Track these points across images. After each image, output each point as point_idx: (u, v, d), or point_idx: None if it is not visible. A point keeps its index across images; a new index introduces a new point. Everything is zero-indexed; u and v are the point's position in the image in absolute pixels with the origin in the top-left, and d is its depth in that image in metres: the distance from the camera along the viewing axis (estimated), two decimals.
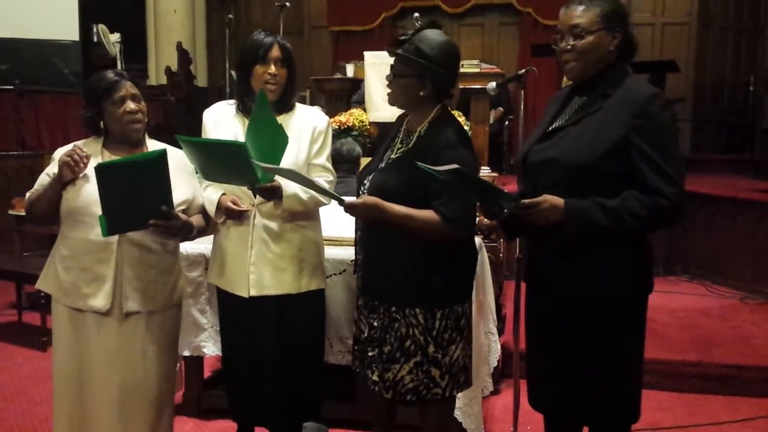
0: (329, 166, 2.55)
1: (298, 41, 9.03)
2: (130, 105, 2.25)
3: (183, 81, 8.85)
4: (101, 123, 2.29)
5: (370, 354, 2.23)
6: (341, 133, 4.89)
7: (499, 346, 3.48)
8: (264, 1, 9.50)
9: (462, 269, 2.26)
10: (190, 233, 2.34)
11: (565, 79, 5.94)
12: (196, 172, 2.41)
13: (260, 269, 2.44)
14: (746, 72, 8.45)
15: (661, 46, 8.19)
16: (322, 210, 2.60)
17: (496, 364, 3.45)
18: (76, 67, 8.58)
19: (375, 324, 2.22)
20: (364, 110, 5.11)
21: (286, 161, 2.30)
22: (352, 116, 5.01)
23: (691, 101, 8.14)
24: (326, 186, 2.36)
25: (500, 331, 3.73)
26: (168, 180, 2.14)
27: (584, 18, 1.95)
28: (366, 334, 2.25)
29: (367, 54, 5.16)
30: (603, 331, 1.98)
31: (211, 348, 3.15)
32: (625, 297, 1.99)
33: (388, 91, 2.23)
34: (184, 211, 2.32)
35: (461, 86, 4.98)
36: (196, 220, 2.40)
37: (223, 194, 2.44)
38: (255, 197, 2.39)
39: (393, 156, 2.26)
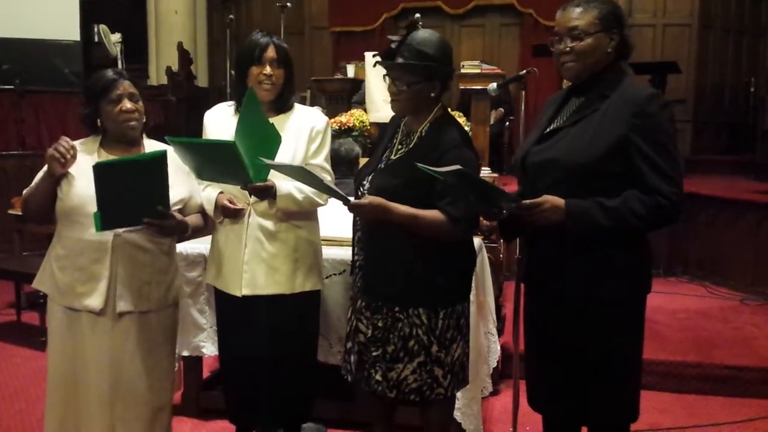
0: (327, 166, 2.53)
1: (299, 41, 9.03)
2: (127, 104, 2.24)
3: (184, 81, 8.87)
4: (98, 121, 2.29)
5: (374, 354, 2.23)
6: (342, 133, 4.89)
7: (498, 347, 3.48)
8: (265, 2, 9.50)
9: (463, 268, 2.27)
10: (184, 233, 2.33)
11: (564, 82, 5.96)
12: None
13: (253, 268, 2.43)
14: (747, 73, 8.44)
15: (662, 48, 8.18)
16: (321, 210, 2.59)
17: (495, 364, 3.45)
18: (77, 67, 8.58)
19: (379, 324, 2.22)
20: (365, 111, 5.12)
21: (282, 160, 2.30)
22: (352, 117, 5.02)
23: (692, 102, 8.13)
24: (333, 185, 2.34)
25: (500, 332, 3.73)
26: (166, 181, 2.13)
27: (583, 20, 1.96)
28: (369, 335, 2.25)
29: (368, 54, 5.16)
30: (601, 331, 1.98)
31: (210, 348, 3.15)
32: (624, 297, 1.99)
33: (394, 99, 2.19)
34: (180, 211, 2.32)
35: (462, 87, 5.01)
36: (193, 219, 2.39)
37: (221, 193, 2.45)
38: (250, 196, 2.39)
39: (393, 157, 2.24)
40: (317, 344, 2.67)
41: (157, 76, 9.83)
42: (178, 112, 8.49)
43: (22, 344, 4.35)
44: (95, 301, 2.23)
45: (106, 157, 2.28)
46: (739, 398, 3.64)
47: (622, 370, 2.02)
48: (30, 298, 4.84)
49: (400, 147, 2.26)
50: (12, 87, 6.89)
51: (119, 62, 8.80)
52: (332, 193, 2.10)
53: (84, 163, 2.20)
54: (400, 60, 2.13)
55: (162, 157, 2.10)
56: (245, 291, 2.44)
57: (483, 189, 1.96)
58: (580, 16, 1.96)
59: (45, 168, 2.26)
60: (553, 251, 2.00)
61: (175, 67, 9.00)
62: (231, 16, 7.45)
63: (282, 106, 2.50)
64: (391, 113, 2.30)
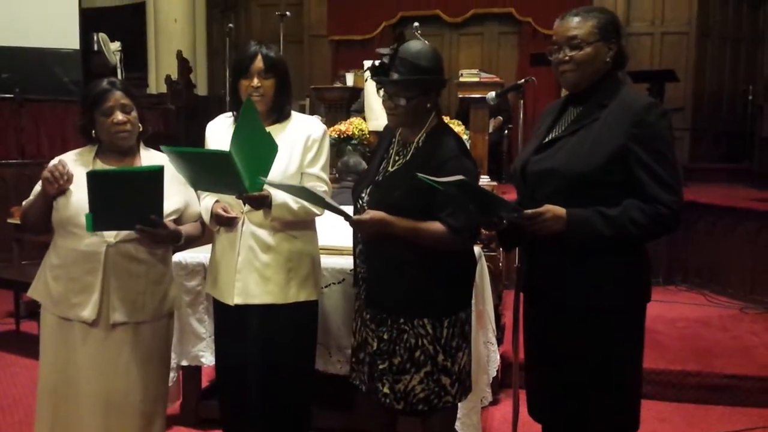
0: (323, 175, 2.51)
1: (298, 50, 9.06)
2: (119, 116, 2.24)
3: (183, 90, 8.87)
4: (93, 132, 2.29)
5: (380, 367, 2.23)
6: (341, 141, 4.90)
7: (498, 356, 3.48)
8: (264, 11, 9.54)
9: (464, 276, 2.28)
10: (178, 242, 2.33)
11: (563, 92, 5.97)
12: None
13: (246, 277, 2.42)
14: (745, 81, 8.47)
15: (660, 56, 8.21)
16: (320, 219, 2.59)
17: (495, 374, 3.44)
18: (77, 76, 8.59)
19: (384, 337, 2.22)
20: (364, 119, 5.12)
21: (276, 170, 2.28)
22: (351, 125, 5.02)
23: (690, 110, 8.15)
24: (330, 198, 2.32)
25: (499, 341, 3.72)
26: (161, 193, 2.12)
27: (582, 29, 1.97)
28: (375, 347, 2.24)
29: (366, 63, 5.17)
30: (602, 340, 1.98)
31: (209, 358, 3.15)
32: (624, 306, 1.99)
33: (392, 114, 2.19)
34: (176, 220, 2.33)
35: (461, 95, 5.02)
36: (188, 228, 2.38)
37: (216, 201, 2.45)
38: (245, 205, 2.38)
39: (391, 168, 2.25)
40: (314, 354, 2.65)
41: (156, 85, 9.84)
42: (177, 120, 8.49)
43: (21, 353, 4.34)
44: (88, 311, 2.23)
45: (101, 167, 2.28)
46: (739, 407, 3.63)
47: (622, 379, 2.02)
48: (29, 307, 4.83)
49: (397, 158, 2.26)
50: (11, 96, 6.90)
51: (119, 71, 8.82)
52: (334, 210, 2.09)
53: (79, 174, 2.21)
54: (395, 76, 2.12)
55: (159, 171, 2.09)
56: (237, 300, 2.43)
57: (484, 199, 1.96)
58: (579, 26, 1.97)
59: (41, 185, 2.26)
60: (553, 260, 2.00)
61: (174, 76, 9.00)
62: (230, 25, 7.46)
63: (277, 115, 2.49)
64: None
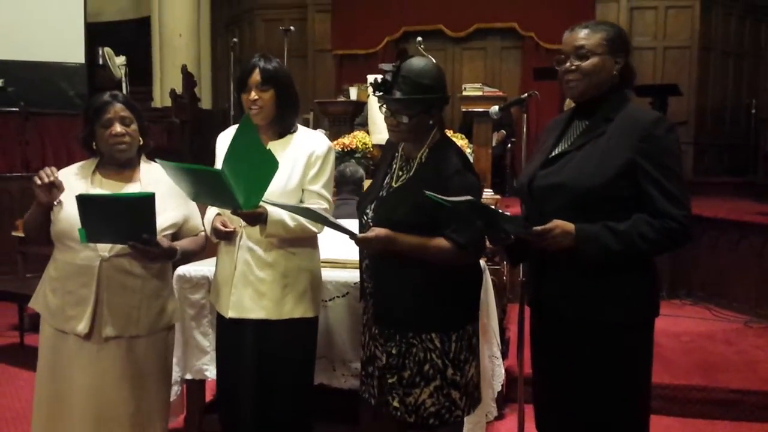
0: (325, 193, 2.45)
1: (302, 64, 9.10)
2: (117, 128, 2.26)
3: (187, 103, 8.92)
4: (93, 144, 2.31)
5: (390, 381, 2.23)
6: (345, 155, 4.91)
7: (503, 371, 3.46)
8: (268, 26, 9.59)
9: (471, 290, 2.29)
10: (172, 259, 2.33)
11: (567, 102, 5.99)
12: None
13: (240, 291, 2.41)
14: (748, 95, 8.49)
15: (663, 70, 8.24)
16: (324, 232, 2.58)
17: (500, 388, 3.42)
18: (82, 90, 8.64)
19: (393, 352, 2.22)
20: (368, 132, 5.14)
21: (276, 185, 2.27)
22: (355, 138, 5.04)
23: (693, 124, 8.16)
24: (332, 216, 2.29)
25: (504, 355, 3.71)
26: (152, 216, 2.12)
27: (589, 40, 1.98)
28: (384, 362, 2.24)
29: (370, 77, 5.19)
30: (609, 355, 1.96)
31: (212, 371, 3.12)
32: (632, 321, 1.98)
33: (394, 131, 2.19)
34: (174, 234, 2.33)
35: (464, 109, 5.03)
36: (184, 243, 2.39)
37: (218, 214, 2.45)
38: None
39: (395, 184, 2.25)
40: (312, 370, 2.60)
41: (161, 99, 9.89)
42: (182, 134, 8.53)
43: (25, 367, 4.33)
44: (81, 325, 2.24)
45: (99, 180, 2.31)
46: (745, 422, 3.61)
47: (630, 394, 2.00)
48: (33, 320, 4.83)
49: (400, 173, 2.26)
50: (17, 109, 6.94)
51: (124, 85, 8.87)
52: (338, 228, 2.09)
53: (77, 188, 2.24)
54: (398, 93, 2.12)
55: (149, 198, 2.09)
56: (231, 314, 2.42)
57: (492, 217, 1.96)
58: (587, 37, 1.98)
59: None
60: (561, 275, 1.99)
61: (179, 90, 9.05)
62: (234, 40, 7.51)
63: (280, 128, 2.46)
64: None
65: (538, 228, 1.91)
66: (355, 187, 3.95)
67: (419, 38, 5.05)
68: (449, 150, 2.21)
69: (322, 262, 2.62)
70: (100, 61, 9.08)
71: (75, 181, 2.28)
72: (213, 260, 2.72)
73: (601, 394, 1.98)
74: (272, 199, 2.24)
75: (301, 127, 2.53)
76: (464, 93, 4.98)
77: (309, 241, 2.50)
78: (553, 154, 2.06)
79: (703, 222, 5.50)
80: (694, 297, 5.66)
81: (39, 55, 8.41)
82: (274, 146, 2.38)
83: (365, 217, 2.27)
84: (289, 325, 2.43)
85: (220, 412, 2.65)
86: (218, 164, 2.44)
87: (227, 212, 2.41)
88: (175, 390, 3.04)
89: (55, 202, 2.22)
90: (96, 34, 9.50)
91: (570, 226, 1.90)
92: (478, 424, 2.87)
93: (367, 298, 2.32)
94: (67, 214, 2.21)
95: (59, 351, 2.28)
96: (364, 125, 5.53)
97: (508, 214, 2.05)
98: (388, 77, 2.14)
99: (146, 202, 2.09)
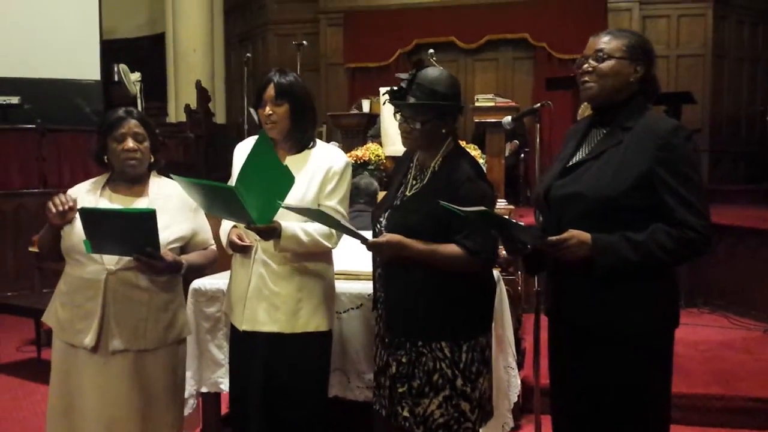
0: (341, 209, 2.44)
1: (315, 78, 9.16)
2: (130, 143, 2.29)
3: (202, 118, 9.00)
4: (105, 158, 2.34)
5: (399, 390, 2.23)
6: (358, 167, 4.93)
7: (519, 381, 3.43)
8: (281, 40, 9.66)
9: (483, 300, 2.27)
10: (177, 272, 2.34)
11: (580, 111, 5.98)
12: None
13: (254, 304, 2.41)
14: (762, 102, 8.43)
15: (676, 78, 8.21)
16: (339, 243, 2.58)
17: (516, 399, 3.40)
18: (98, 106, 8.74)
19: (403, 360, 2.21)
20: (380, 144, 5.16)
21: (291, 199, 2.27)
22: (368, 150, 5.06)
23: (708, 132, 8.12)
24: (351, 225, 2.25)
25: (520, 366, 3.68)
26: (155, 231, 2.13)
27: (609, 44, 1.98)
28: (395, 371, 2.24)
29: (382, 90, 5.21)
30: (629, 366, 1.94)
31: (228, 384, 3.13)
32: (651, 331, 1.95)
33: (406, 137, 2.21)
34: (182, 248, 2.35)
35: (477, 120, 5.04)
36: (193, 257, 2.40)
37: (234, 226, 2.46)
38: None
39: (409, 193, 2.26)
40: (326, 383, 2.60)
41: (176, 114, 9.98)
42: (196, 148, 8.59)
43: (42, 381, 4.31)
44: (88, 338, 2.25)
45: (109, 194, 2.34)
46: (765, 431, 3.56)
47: (650, 406, 1.97)
48: (49, 335, 4.83)
49: (414, 182, 2.28)
50: (34, 126, 7.01)
51: (139, 101, 8.95)
52: (350, 233, 2.10)
53: (87, 202, 2.27)
54: (412, 99, 2.15)
55: (150, 214, 2.11)
56: (245, 326, 2.43)
57: (506, 228, 1.96)
58: (608, 41, 1.99)
59: None
60: (579, 284, 1.97)
61: (193, 105, 9.13)
62: (248, 55, 7.58)
63: (296, 142, 2.46)
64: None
65: (553, 238, 1.90)
66: (369, 199, 3.96)
67: (431, 50, 5.08)
68: (462, 159, 2.22)
69: (336, 273, 2.62)
70: (116, 78, 9.17)
71: (85, 195, 2.32)
72: (227, 273, 2.73)
73: (620, 405, 1.96)
74: (288, 215, 2.25)
75: (319, 142, 2.53)
76: (477, 104, 4.98)
77: (323, 255, 2.50)
78: (571, 163, 2.05)
79: (721, 229, 5.45)
80: (711, 305, 5.61)
81: (55, 73, 8.52)
82: (291, 161, 2.39)
83: (379, 225, 2.28)
84: (302, 338, 2.42)
85: (233, 425, 2.66)
86: (234, 175, 2.45)
87: (242, 225, 2.42)
88: (191, 403, 3.05)
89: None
90: (111, 51, 9.62)
91: (586, 236, 1.88)
92: None
93: (378, 307, 2.32)
94: (76, 229, 2.23)
95: (70, 365, 2.30)
96: (377, 137, 5.55)
97: (522, 224, 2.03)
98: (404, 85, 2.18)
99: (147, 218, 2.11)
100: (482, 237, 2.08)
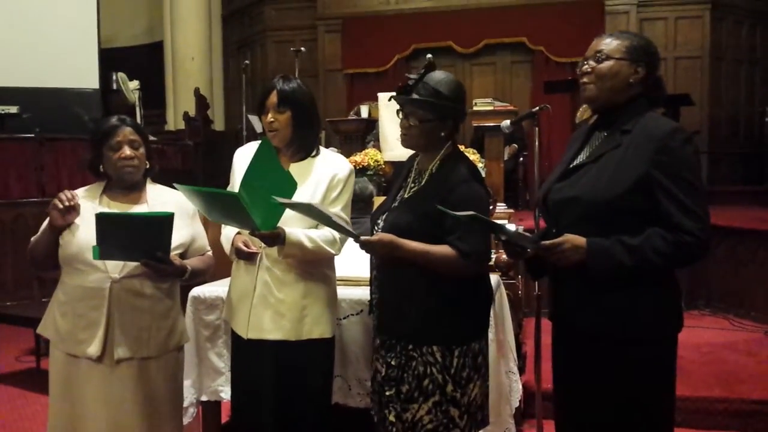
0: (344, 216, 2.44)
1: (314, 84, 9.17)
2: (126, 151, 2.28)
3: (201, 126, 9.01)
4: (101, 167, 2.33)
5: (387, 393, 2.21)
6: (357, 172, 4.92)
7: (520, 386, 3.43)
8: (279, 47, 9.69)
9: (478, 305, 2.26)
10: (182, 276, 2.34)
11: (578, 114, 5.98)
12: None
13: (260, 312, 2.41)
14: (761, 103, 8.44)
15: (674, 80, 8.21)
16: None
17: (518, 404, 3.39)
18: (97, 115, 8.72)
19: (393, 363, 2.20)
20: (379, 149, 5.15)
21: None
22: (367, 156, 5.05)
23: (706, 134, 8.13)
24: (343, 222, 2.27)
25: (521, 370, 3.67)
26: (169, 235, 2.15)
27: (609, 46, 1.98)
28: (383, 374, 2.23)
29: (381, 95, 5.22)
30: (632, 371, 1.92)
31: (228, 392, 3.12)
32: (652, 335, 1.94)
33: (405, 134, 2.23)
34: (181, 254, 2.35)
35: (475, 124, 5.04)
36: (193, 263, 2.40)
37: (238, 233, 2.45)
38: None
39: (406, 195, 2.27)
40: (330, 390, 2.60)
41: (174, 121, 10.00)
42: (195, 155, 8.60)
43: (42, 391, 4.29)
44: (93, 348, 2.24)
45: (107, 203, 2.33)
46: None
47: (653, 411, 1.95)
48: (49, 345, 4.85)
49: (412, 185, 2.29)
50: (32, 135, 7.01)
51: (137, 109, 8.95)
52: (341, 230, 2.11)
53: (85, 211, 2.25)
54: (415, 96, 2.17)
55: (169, 217, 2.12)
56: (250, 334, 2.42)
57: (497, 232, 1.95)
58: (609, 43, 1.98)
59: (48, 219, 2.29)
60: (580, 289, 1.96)
61: (192, 113, 9.15)
62: (246, 62, 7.60)
63: (300, 149, 2.46)
64: (405, 152, 2.32)
65: (547, 242, 1.89)
66: (364, 205, 3.94)
67: (429, 55, 5.08)
68: (459, 162, 2.23)
69: (336, 280, 2.61)
70: (114, 86, 9.17)
71: (84, 203, 2.30)
72: (227, 281, 2.72)
73: (624, 410, 1.94)
74: (292, 221, 2.27)
75: (322, 150, 2.53)
76: (475, 108, 4.98)
77: (326, 262, 2.50)
78: (571, 166, 2.04)
79: (721, 231, 5.44)
80: (712, 307, 5.60)
81: (54, 82, 8.51)
82: (295, 169, 2.38)
83: (376, 228, 2.28)
84: (306, 345, 2.42)
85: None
86: (235, 179, 2.45)
87: (247, 232, 2.42)
88: (191, 412, 3.04)
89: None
90: (110, 59, 9.62)
91: (581, 241, 1.87)
92: None
93: (373, 310, 2.32)
94: (78, 237, 2.22)
95: (71, 375, 2.28)
96: (375, 142, 5.55)
97: (513, 228, 2.03)
98: (410, 83, 2.20)
99: (165, 221, 2.12)
100: (475, 239, 2.08)
